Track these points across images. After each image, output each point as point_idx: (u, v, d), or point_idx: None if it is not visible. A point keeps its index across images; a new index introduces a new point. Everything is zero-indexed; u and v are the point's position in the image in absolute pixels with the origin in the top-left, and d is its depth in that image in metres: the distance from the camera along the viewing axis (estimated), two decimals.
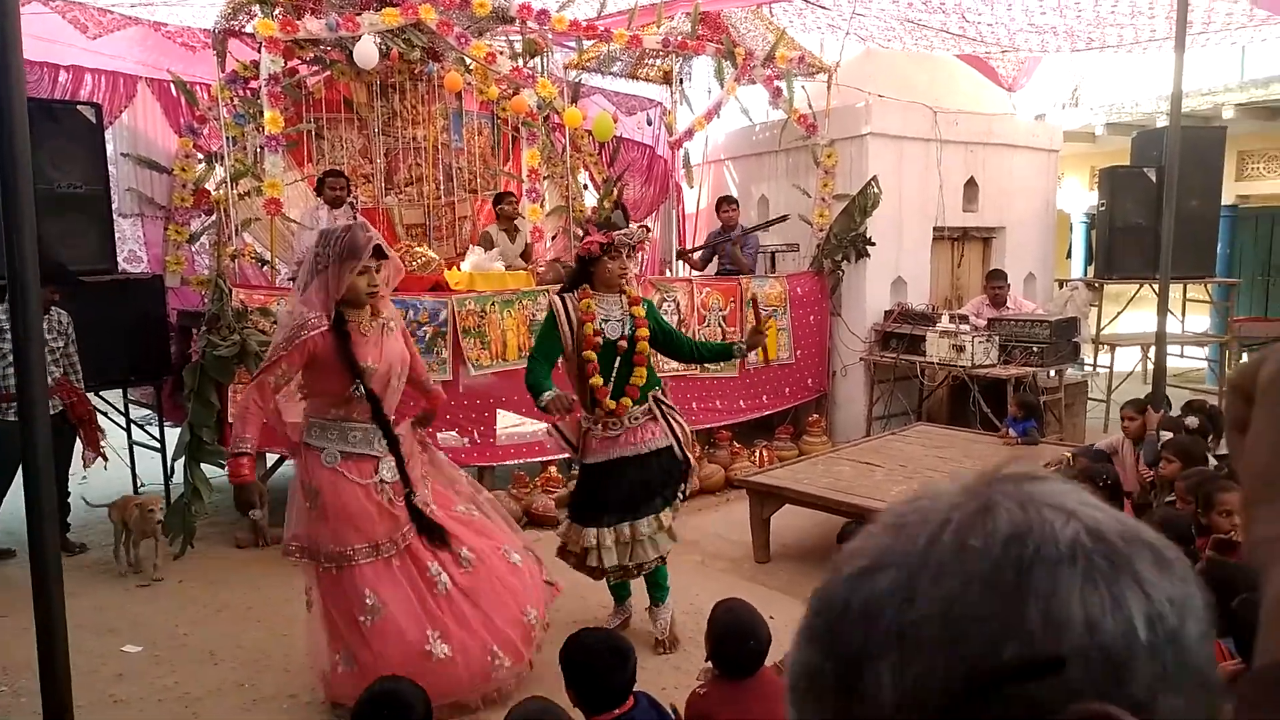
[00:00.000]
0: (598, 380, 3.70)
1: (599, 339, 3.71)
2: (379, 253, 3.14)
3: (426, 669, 3.04)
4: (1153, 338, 6.37)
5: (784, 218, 7.67)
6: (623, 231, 3.75)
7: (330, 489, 3.16)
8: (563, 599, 4.35)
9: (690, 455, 3.97)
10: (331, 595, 3.23)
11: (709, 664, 2.63)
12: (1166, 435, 4.84)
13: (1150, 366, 7.94)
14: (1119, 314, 8.88)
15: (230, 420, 5.03)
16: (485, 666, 3.29)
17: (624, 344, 3.74)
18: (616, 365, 3.74)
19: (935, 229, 7.82)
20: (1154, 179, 7.85)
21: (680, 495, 3.93)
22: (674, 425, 3.84)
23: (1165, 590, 0.50)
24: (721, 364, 6.84)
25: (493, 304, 5.90)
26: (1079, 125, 11.66)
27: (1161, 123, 10.11)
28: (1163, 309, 5.78)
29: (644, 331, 3.76)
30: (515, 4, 6.33)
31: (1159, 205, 7.33)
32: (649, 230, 3.98)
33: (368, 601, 3.18)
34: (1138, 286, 8.58)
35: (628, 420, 3.77)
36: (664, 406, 3.87)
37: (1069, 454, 5.16)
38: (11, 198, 1.87)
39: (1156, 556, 0.51)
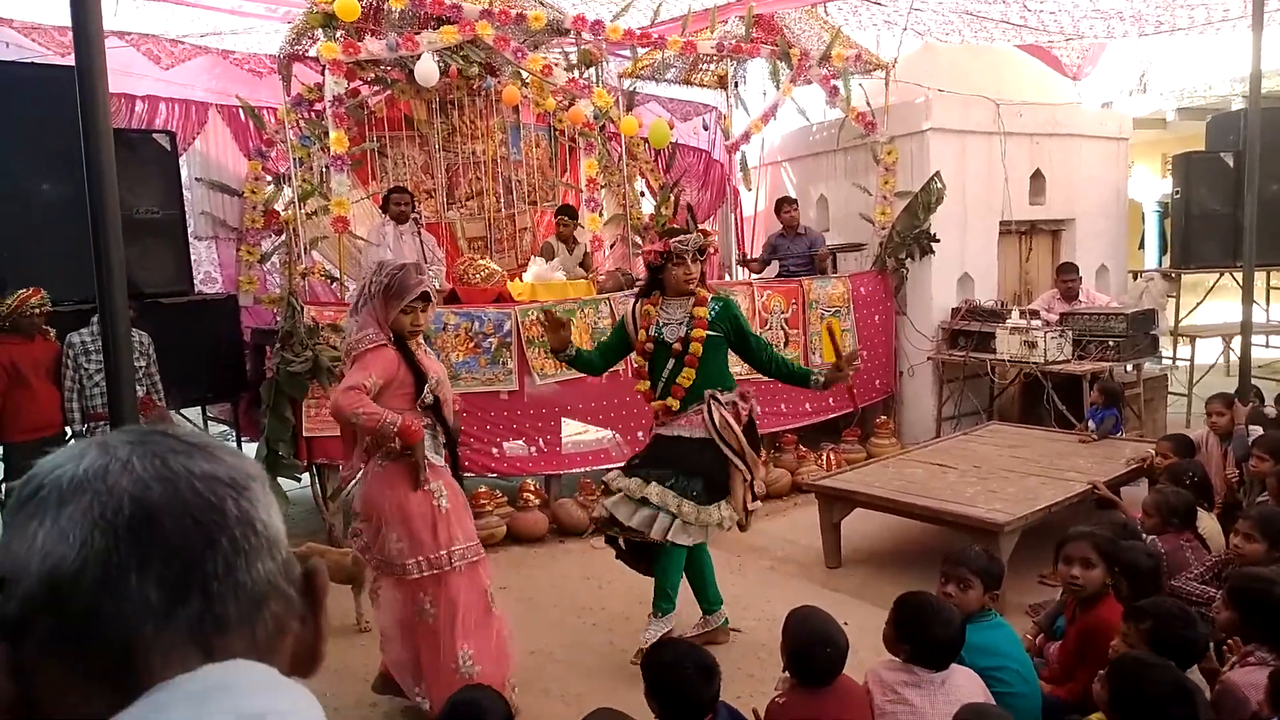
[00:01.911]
0: (642, 385, 3.81)
1: (649, 345, 3.79)
2: (425, 297, 3.22)
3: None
4: (1235, 328, 6.16)
5: (860, 247, 7.62)
6: (678, 239, 3.74)
7: (444, 492, 3.26)
8: (631, 606, 4.36)
9: (744, 461, 3.78)
10: (466, 591, 3.27)
11: (786, 673, 2.60)
12: (1256, 430, 4.65)
13: (1233, 358, 7.67)
14: (1198, 304, 8.57)
15: (305, 435, 5.18)
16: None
17: (679, 345, 3.73)
18: (669, 366, 3.74)
19: (1001, 223, 7.65)
20: (1231, 164, 7.58)
21: (714, 500, 3.74)
22: (715, 417, 3.73)
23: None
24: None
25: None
26: (1149, 112, 11.32)
27: (1237, 105, 9.76)
28: (1247, 297, 5.58)
29: (698, 333, 3.70)
30: (570, 16, 6.38)
31: (1237, 191, 7.10)
32: (709, 234, 3.90)
33: (490, 591, 3.38)
34: (1217, 275, 8.28)
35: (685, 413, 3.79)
36: (715, 401, 3.76)
37: (1159, 441, 4.99)
38: (100, 226, 1.94)
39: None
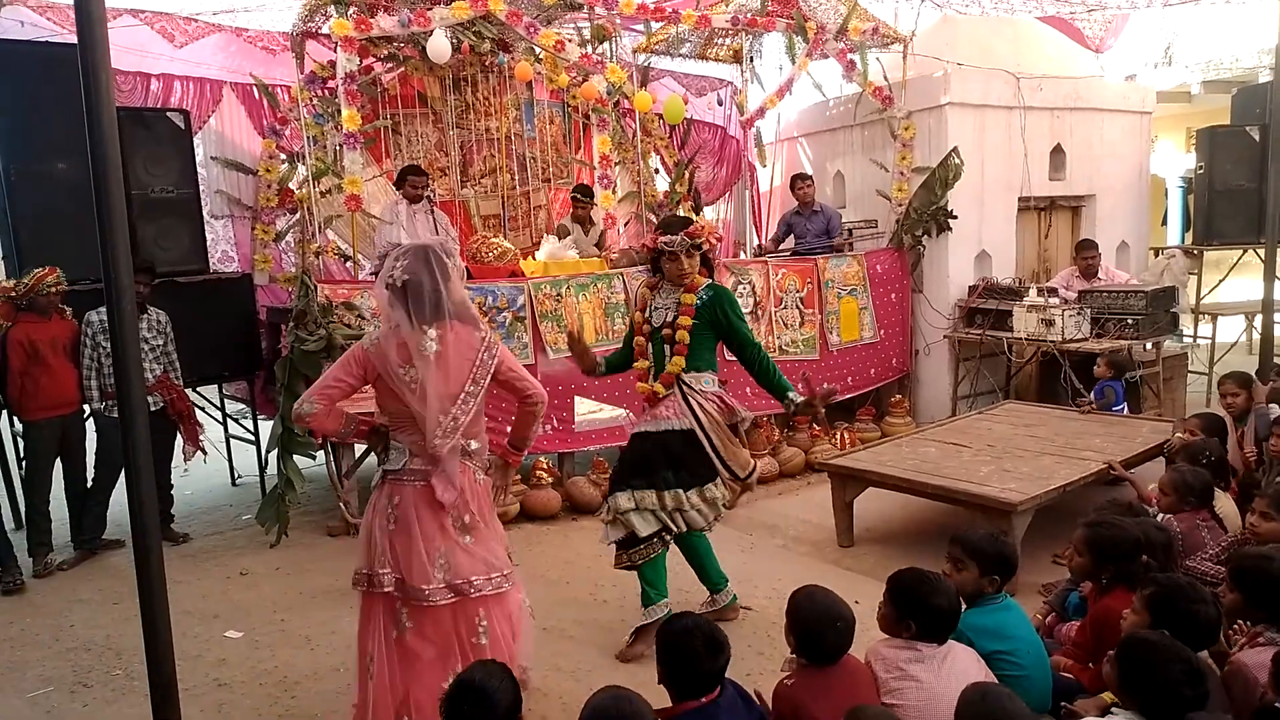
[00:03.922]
0: (643, 364, 3.85)
1: (647, 326, 3.83)
2: None
3: None
4: (1258, 305, 6.06)
5: (873, 224, 7.56)
6: (664, 239, 3.73)
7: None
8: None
9: (722, 450, 3.73)
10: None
11: (794, 655, 2.59)
12: (1275, 409, 4.58)
13: (1256, 336, 7.56)
14: (1220, 281, 8.45)
15: None
16: None
17: (668, 331, 3.74)
18: (663, 351, 3.76)
19: (1020, 199, 7.56)
20: (1257, 138, 7.44)
21: (696, 486, 3.72)
22: (694, 408, 3.69)
23: None
24: (800, 351, 6.79)
25: (568, 287, 5.94)
26: (1173, 85, 11.12)
27: (1265, 78, 9.57)
28: (1270, 274, 5.50)
29: (684, 320, 3.69)
30: None
31: (1263, 165, 6.97)
32: (695, 234, 3.76)
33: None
34: (1240, 252, 8.15)
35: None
36: (685, 388, 3.72)
37: (1188, 419, 4.91)
38: (104, 203, 1.94)
39: None
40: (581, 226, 7.23)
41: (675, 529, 3.74)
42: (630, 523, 3.67)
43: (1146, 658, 2.15)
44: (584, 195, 7.22)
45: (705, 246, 3.73)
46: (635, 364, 3.89)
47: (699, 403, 3.70)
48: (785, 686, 2.50)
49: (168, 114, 5.85)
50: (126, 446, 2.08)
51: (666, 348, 3.74)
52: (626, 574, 4.50)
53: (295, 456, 5.17)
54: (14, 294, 4.79)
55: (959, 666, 2.48)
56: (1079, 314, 6.44)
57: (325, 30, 6.13)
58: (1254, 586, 2.54)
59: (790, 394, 3.70)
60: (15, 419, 5.08)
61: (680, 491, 3.68)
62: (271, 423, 5.40)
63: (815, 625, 2.50)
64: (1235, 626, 2.64)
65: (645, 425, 3.79)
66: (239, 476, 6.59)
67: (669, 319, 3.74)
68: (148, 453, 2.10)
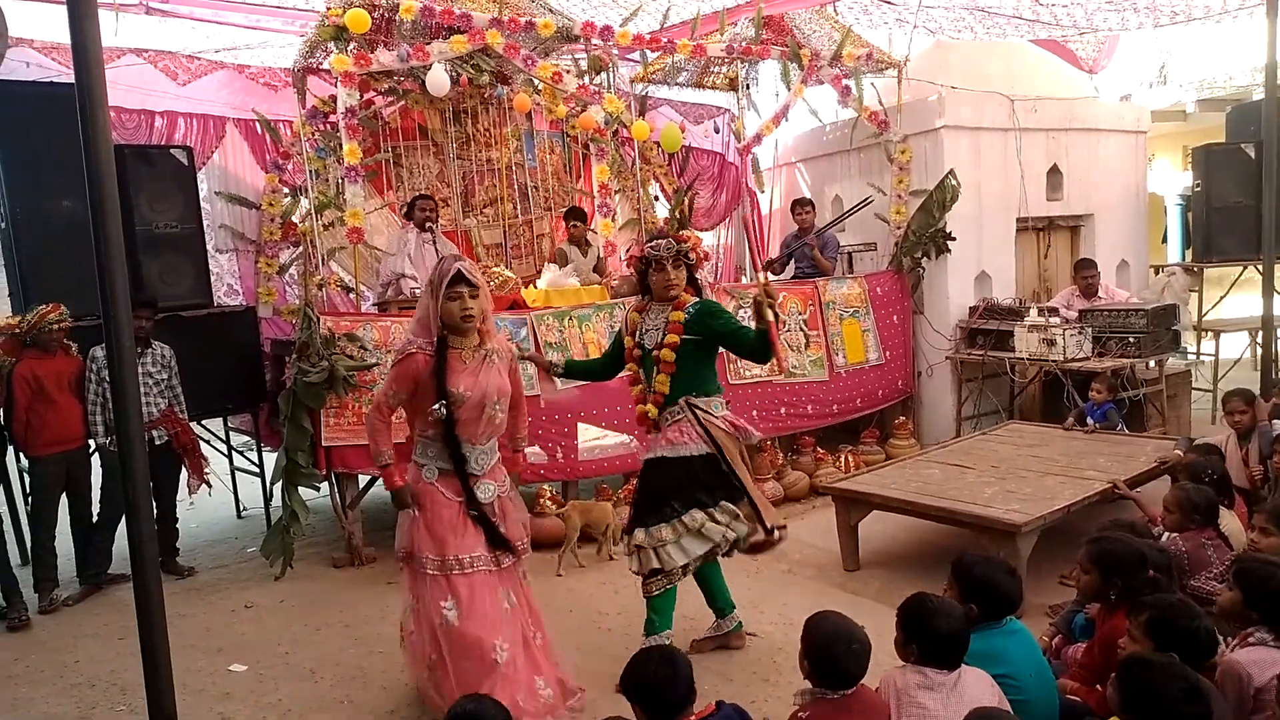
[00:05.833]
0: (638, 389, 3.85)
1: (637, 351, 3.84)
2: (463, 280, 3.25)
3: (493, 674, 3.23)
4: (1259, 322, 6.06)
5: (868, 201, 7.50)
6: (651, 244, 3.76)
7: (429, 501, 3.35)
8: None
9: (752, 493, 3.75)
10: (425, 599, 3.34)
11: (806, 686, 2.54)
12: (1279, 425, 4.57)
13: (1260, 352, 7.55)
14: (1222, 298, 8.46)
15: (323, 445, 5.22)
16: (531, 686, 3.36)
17: (658, 352, 3.74)
18: (653, 372, 3.77)
19: (1018, 220, 7.59)
20: (1253, 155, 7.47)
21: (715, 509, 3.72)
22: (711, 433, 3.69)
23: None
24: (808, 373, 6.79)
25: (570, 319, 5.96)
26: (1168, 104, 11.20)
27: (1259, 95, 9.63)
28: (1268, 290, 5.50)
29: (671, 338, 3.68)
30: (579, 23, 6.41)
31: (1259, 182, 6.99)
32: (683, 240, 3.81)
33: (446, 611, 3.29)
34: (1241, 269, 8.17)
35: (662, 420, 3.78)
36: (698, 411, 3.71)
37: (1186, 451, 4.87)
38: (102, 240, 1.98)
39: None
40: (579, 248, 7.28)
41: (724, 545, 3.74)
42: (668, 556, 3.65)
43: (1146, 678, 2.15)
44: (577, 218, 7.30)
45: (691, 256, 3.75)
46: (633, 389, 3.88)
47: (715, 427, 3.71)
48: (799, 719, 2.46)
49: (171, 150, 5.93)
50: (125, 481, 2.10)
51: (656, 368, 3.75)
52: (630, 602, 4.50)
53: (300, 488, 5.18)
54: (18, 330, 4.84)
55: (970, 693, 2.44)
56: (1080, 333, 6.45)
57: (326, 66, 6.20)
58: (1251, 590, 2.57)
59: (757, 328, 3.52)
60: (21, 454, 5.10)
61: (726, 503, 3.70)
62: (276, 455, 5.40)
63: (829, 647, 2.45)
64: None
65: (662, 450, 3.73)
66: (244, 509, 6.60)
67: (659, 339, 3.74)
68: (147, 488, 2.12)
